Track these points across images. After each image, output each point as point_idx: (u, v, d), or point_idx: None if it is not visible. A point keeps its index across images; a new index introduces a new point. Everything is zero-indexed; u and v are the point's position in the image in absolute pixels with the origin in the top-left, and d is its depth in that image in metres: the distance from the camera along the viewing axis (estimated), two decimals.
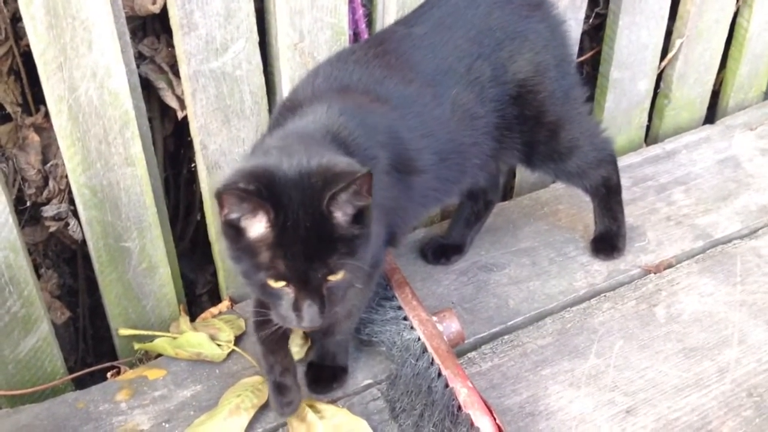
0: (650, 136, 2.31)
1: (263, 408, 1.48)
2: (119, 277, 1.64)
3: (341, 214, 1.16)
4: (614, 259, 1.81)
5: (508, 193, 2.13)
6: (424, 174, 1.44)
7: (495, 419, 1.35)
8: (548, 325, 1.68)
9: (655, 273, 1.78)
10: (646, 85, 2.17)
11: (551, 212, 1.96)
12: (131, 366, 1.65)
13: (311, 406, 1.48)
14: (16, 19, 1.47)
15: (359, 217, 1.17)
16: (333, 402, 1.51)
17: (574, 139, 1.63)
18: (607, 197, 1.76)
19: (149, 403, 1.53)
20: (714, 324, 1.66)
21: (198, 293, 1.99)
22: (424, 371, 1.45)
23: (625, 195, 1.81)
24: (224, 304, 1.77)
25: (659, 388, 1.54)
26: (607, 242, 1.81)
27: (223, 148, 1.64)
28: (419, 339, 1.49)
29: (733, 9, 2.18)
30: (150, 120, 1.64)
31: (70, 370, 1.71)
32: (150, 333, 1.68)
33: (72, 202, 1.58)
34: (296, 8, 1.58)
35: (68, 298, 1.83)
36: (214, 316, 1.72)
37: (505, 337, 1.65)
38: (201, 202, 1.79)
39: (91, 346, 1.91)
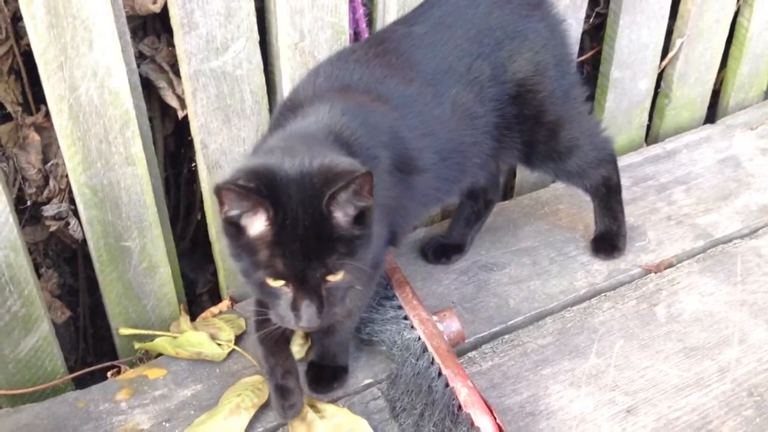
0: (651, 136, 2.31)
1: (264, 407, 1.48)
2: (119, 277, 1.64)
3: (342, 215, 1.16)
4: (615, 258, 1.81)
5: (508, 193, 2.13)
6: (425, 173, 1.44)
7: (495, 419, 1.35)
8: (549, 324, 1.68)
9: (655, 272, 1.78)
10: (647, 85, 2.17)
11: (552, 212, 1.95)
12: (131, 365, 1.66)
13: (312, 406, 1.48)
14: (16, 18, 1.47)
15: (360, 217, 1.17)
16: (333, 401, 1.51)
17: (573, 139, 1.63)
18: (608, 197, 1.75)
19: (149, 403, 1.53)
20: (714, 323, 1.66)
21: (198, 293, 1.99)
22: (425, 371, 1.45)
23: (626, 194, 1.81)
24: (224, 304, 1.77)
25: (660, 388, 1.54)
26: (608, 242, 1.81)
27: (223, 148, 1.64)
28: (419, 338, 1.49)
29: (733, 8, 2.18)
30: (150, 119, 1.64)
31: (71, 370, 1.71)
32: (150, 332, 1.68)
33: (72, 201, 1.58)
34: (297, 7, 1.58)
35: (68, 298, 1.83)
36: (214, 316, 1.72)
37: (506, 336, 1.65)
38: (201, 202, 1.79)
39: (91, 346, 1.91)
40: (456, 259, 1.81)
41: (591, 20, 2.07)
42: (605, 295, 1.74)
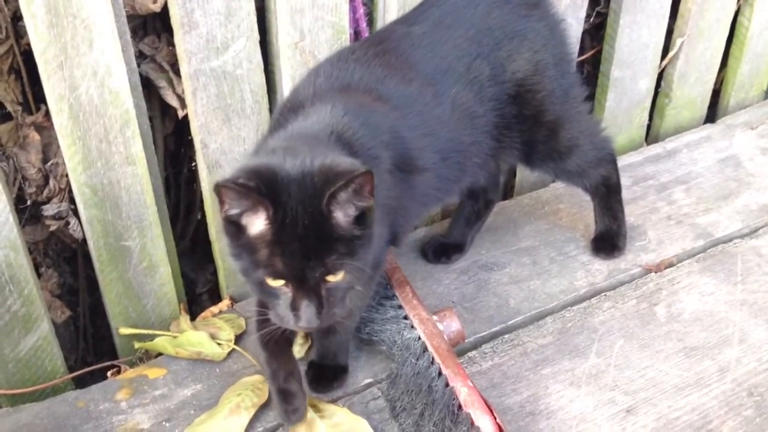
0: (651, 135, 2.31)
1: (264, 407, 1.48)
2: (119, 276, 1.64)
3: (342, 214, 1.16)
4: (615, 258, 1.81)
5: (508, 192, 2.13)
6: (425, 173, 1.44)
7: (495, 418, 1.35)
8: (549, 324, 1.68)
9: (655, 272, 1.78)
10: (647, 84, 2.17)
11: (552, 211, 1.95)
12: (131, 365, 1.66)
13: (312, 405, 1.47)
14: (16, 17, 1.47)
15: (361, 218, 1.17)
16: (333, 401, 1.51)
17: (573, 138, 1.63)
18: (607, 196, 1.75)
19: (149, 402, 1.53)
20: (714, 323, 1.66)
21: (198, 292, 1.99)
22: (425, 370, 1.45)
23: (626, 194, 1.81)
24: (224, 303, 1.77)
25: (660, 388, 1.54)
26: (608, 241, 1.81)
27: (223, 147, 1.64)
28: (419, 338, 1.49)
29: (734, 8, 2.18)
30: (150, 119, 1.64)
31: (71, 369, 1.71)
32: (150, 332, 1.68)
33: (72, 200, 1.58)
34: (297, 7, 1.58)
35: (68, 297, 1.83)
36: (214, 315, 1.72)
37: (506, 336, 1.65)
38: (201, 201, 1.79)
39: (91, 345, 1.91)
40: (456, 258, 1.81)
41: (591, 19, 2.07)
42: (605, 295, 1.74)
